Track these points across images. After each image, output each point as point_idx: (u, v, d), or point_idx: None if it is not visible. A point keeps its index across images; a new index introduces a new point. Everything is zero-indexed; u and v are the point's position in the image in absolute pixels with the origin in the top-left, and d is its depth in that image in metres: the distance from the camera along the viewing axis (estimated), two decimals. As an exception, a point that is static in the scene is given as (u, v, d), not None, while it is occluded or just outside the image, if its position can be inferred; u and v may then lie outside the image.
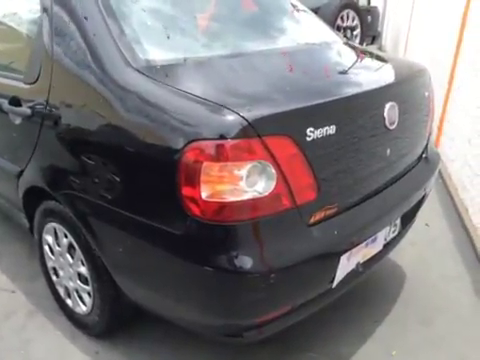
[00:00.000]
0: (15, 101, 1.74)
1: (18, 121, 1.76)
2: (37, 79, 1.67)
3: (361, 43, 6.33)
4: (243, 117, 1.21)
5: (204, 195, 1.22)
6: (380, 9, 8.70)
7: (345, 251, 1.47)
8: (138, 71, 1.44)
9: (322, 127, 1.35)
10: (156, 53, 1.56)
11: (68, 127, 1.60)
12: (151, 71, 1.44)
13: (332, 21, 5.31)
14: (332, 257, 1.44)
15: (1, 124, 1.88)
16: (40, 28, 1.69)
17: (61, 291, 1.92)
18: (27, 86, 1.72)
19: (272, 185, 1.26)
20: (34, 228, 1.94)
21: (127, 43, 1.50)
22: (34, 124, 1.68)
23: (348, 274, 1.54)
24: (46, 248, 1.91)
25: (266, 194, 1.25)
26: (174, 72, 1.49)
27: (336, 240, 1.44)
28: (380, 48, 8.86)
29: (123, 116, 1.39)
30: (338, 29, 5.76)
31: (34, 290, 2.09)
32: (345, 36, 5.30)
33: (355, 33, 6.20)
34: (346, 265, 1.50)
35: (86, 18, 1.55)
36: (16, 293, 2.10)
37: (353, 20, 6.18)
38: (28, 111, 1.69)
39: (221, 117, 1.23)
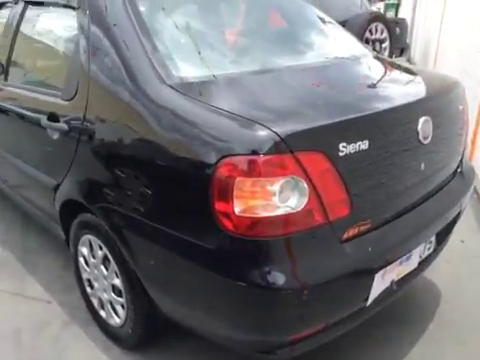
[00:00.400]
0: (53, 117, 1.81)
1: (56, 136, 1.82)
2: (74, 96, 1.73)
3: (390, 56, 6.28)
4: (275, 132, 1.22)
5: (237, 210, 1.23)
6: (408, 21, 8.61)
7: (380, 268, 1.45)
8: (171, 88, 1.47)
9: (355, 142, 1.34)
10: (188, 70, 1.60)
11: (104, 142, 1.65)
12: (184, 88, 1.47)
13: (361, 34, 5.29)
14: (366, 274, 1.42)
15: (39, 139, 1.96)
16: (77, 46, 1.76)
17: (95, 303, 1.95)
18: (65, 102, 1.79)
19: (305, 201, 1.26)
20: (70, 240, 1.99)
21: (161, 60, 1.55)
22: (71, 139, 1.74)
23: (382, 292, 1.51)
24: (81, 260, 1.96)
25: (299, 210, 1.25)
26: (206, 88, 1.52)
27: (370, 257, 1.42)
28: (409, 60, 8.74)
29: (157, 131, 1.43)
30: (366, 42, 5.73)
31: (69, 301, 2.14)
32: (374, 49, 5.27)
33: (384, 46, 6.16)
34: (380, 283, 1.47)
35: (121, 37, 1.61)
36: (51, 304, 2.15)
37: (382, 33, 6.14)
38: (65, 126, 1.76)
39: (253, 132, 1.24)
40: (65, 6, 1.90)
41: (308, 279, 1.28)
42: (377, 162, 1.45)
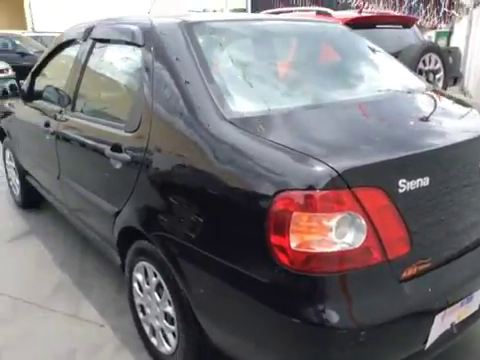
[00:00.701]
0: (116, 147, 1.91)
1: (118, 166, 1.92)
2: (137, 128, 1.83)
3: (444, 87, 6.12)
4: (332, 168, 1.23)
5: (293, 244, 1.23)
6: (461, 49, 8.39)
7: (440, 310, 1.39)
8: (229, 122, 1.52)
9: (415, 179, 1.32)
10: (245, 104, 1.65)
11: (163, 172, 1.72)
12: (241, 122, 1.52)
13: (414, 65, 5.21)
14: (426, 316, 1.37)
15: (102, 167, 2.07)
16: (141, 81, 1.87)
17: (147, 329, 1.99)
18: (128, 134, 1.88)
19: (362, 237, 1.24)
20: (125, 265, 2.06)
21: (219, 95, 1.61)
22: (133, 169, 1.83)
23: (442, 335, 1.45)
24: (135, 285, 2.01)
25: (356, 246, 1.24)
26: (262, 123, 1.55)
27: (430, 298, 1.37)
28: (462, 90, 8.48)
29: (215, 164, 1.47)
30: (420, 73, 5.63)
31: (121, 325, 2.19)
32: (427, 80, 5.16)
33: (438, 76, 6.02)
34: (440, 325, 1.41)
35: (183, 73, 1.69)
36: (105, 327, 2.21)
37: (435, 63, 6.01)
38: (128, 157, 1.85)
39: (310, 168, 1.26)
40: (130, 43, 2.02)
41: (365, 319, 1.25)
42: (437, 199, 1.42)
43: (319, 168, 1.24)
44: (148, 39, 1.89)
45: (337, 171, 1.22)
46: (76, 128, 2.35)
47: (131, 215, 1.89)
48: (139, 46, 1.94)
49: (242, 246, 1.40)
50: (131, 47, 2.03)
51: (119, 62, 2.27)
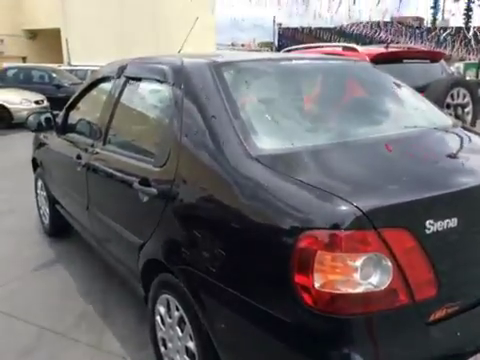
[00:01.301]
0: (145, 181, 1.96)
1: (145, 199, 1.96)
2: (165, 162, 1.88)
3: (474, 120, 6.04)
4: (357, 207, 1.23)
5: (317, 284, 1.22)
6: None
7: (469, 355, 1.34)
8: (255, 159, 1.55)
9: (443, 219, 1.30)
10: (271, 142, 1.68)
11: (188, 206, 1.75)
12: (267, 160, 1.54)
13: (442, 100, 5.18)
14: (455, 362, 1.31)
15: (129, 200, 2.12)
16: (171, 118, 1.93)
17: (168, 363, 1.98)
18: (156, 169, 1.93)
19: (388, 279, 1.22)
20: (148, 298, 2.07)
21: (246, 133, 1.65)
22: (159, 202, 1.87)
23: (473, 381, 1.38)
24: (158, 318, 2.02)
25: (381, 288, 1.22)
26: (288, 161, 1.57)
27: (459, 342, 1.32)
28: (494, 123, 8.33)
29: (240, 200, 1.49)
30: (448, 107, 5.59)
31: (143, 359, 2.18)
32: (456, 114, 5.11)
33: (466, 110, 5.96)
34: (471, 372, 1.35)
35: (211, 111, 1.74)
36: (126, 360, 2.21)
37: (464, 97, 5.95)
38: (155, 191, 1.89)
39: (335, 206, 1.26)
40: (161, 81, 2.11)
41: (391, 364, 1.21)
42: (466, 239, 1.39)
43: (344, 207, 1.24)
44: (178, 78, 1.97)
45: (362, 210, 1.22)
46: (106, 161, 2.42)
47: (156, 248, 1.92)
48: (169, 84, 2.01)
49: (265, 283, 1.40)
50: (162, 85, 2.11)
51: (150, 99, 2.36)
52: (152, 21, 20.39)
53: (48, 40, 18.64)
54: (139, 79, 2.37)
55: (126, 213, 2.25)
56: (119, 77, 2.51)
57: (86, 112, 3.09)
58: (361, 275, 1.21)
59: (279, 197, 1.38)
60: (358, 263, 1.20)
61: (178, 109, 1.89)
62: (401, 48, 5.83)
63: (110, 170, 2.36)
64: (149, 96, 2.36)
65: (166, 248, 1.87)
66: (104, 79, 2.79)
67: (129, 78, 2.43)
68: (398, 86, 2.40)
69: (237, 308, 1.49)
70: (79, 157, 2.69)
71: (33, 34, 19.13)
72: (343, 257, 1.21)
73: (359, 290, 1.21)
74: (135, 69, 2.43)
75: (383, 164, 1.62)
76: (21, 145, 4.07)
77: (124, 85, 2.45)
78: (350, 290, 1.21)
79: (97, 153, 2.52)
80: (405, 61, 4.98)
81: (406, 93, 2.39)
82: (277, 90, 2.09)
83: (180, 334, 1.83)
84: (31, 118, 3.36)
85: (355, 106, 2.21)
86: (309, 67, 2.37)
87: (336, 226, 1.22)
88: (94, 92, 2.98)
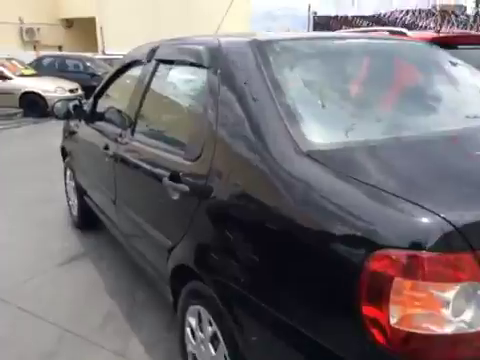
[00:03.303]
0: (175, 177, 1.73)
1: (176, 197, 1.73)
2: (199, 156, 1.64)
3: None
4: (448, 221, 0.95)
5: (392, 320, 0.95)
6: None
7: None
8: (306, 155, 1.28)
9: None
10: (323, 134, 1.42)
11: (224, 208, 1.51)
12: (322, 156, 1.27)
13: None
14: None
15: (159, 197, 1.89)
16: (205, 106, 1.68)
17: (198, 382, 1.76)
18: (188, 162, 1.70)
19: (485, 316, 0.94)
20: (178, 306, 1.85)
21: (296, 125, 1.38)
22: (191, 202, 1.63)
23: None
24: (188, 330, 1.79)
25: (478, 328, 0.93)
26: (347, 158, 1.29)
27: None
28: None
29: (289, 205, 1.24)
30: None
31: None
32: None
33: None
34: None
35: (254, 99, 1.48)
36: (153, 372, 2.01)
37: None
38: (187, 188, 1.66)
39: (417, 219, 0.98)
40: (196, 64, 1.86)
41: None
42: None
43: (429, 220, 0.96)
44: (215, 58, 1.72)
45: (454, 225, 0.94)
46: (135, 152, 2.21)
47: (187, 253, 1.69)
48: (205, 66, 1.77)
49: (320, 310, 1.13)
50: (196, 68, 1.86)
51: (183, 84, 2.12)
52: (186, 10, 20.21)
53: (84, 29, 18.77)
54: (171, 62, 2.13)
55: (155, 211, 2.03)
56: (149, 61, 2.29)
57: (114, 99, 2.89)
58: (452, 311, 0.93)
59: (340, 204, 1.11)
60: (448, 295, 0.93)
61: (214, 94, 1.64)
62: (455, 33, 5.35)
63: (139, 162, 2.15)
64: (182, 81, 2.12)
65: (198, 254, 1.63)
66: (134, 63, 2.57)
67: (160, 61, 2.20)
68: (465, 70, 2.07)
69: (282, 334, 1.24)
70: (107, 147, 2.50)
71: (69, 23, 19.30)
72: (428, 287, 0.93)
73: (448, 330, 0.93)
74: (167, 51, 2.19)
75: (465, 166, 1.31)
76: (60, 132, 3.95)
77: (155, 69, 2.22)
78: (436, 329, 0.94)
79: (126, 143, 2.31)
80: (460, 47, 4.54)
81: (475, 78, 2.05)
82: (331, 75, 1.79)
83: (213, 353, 1.60)
84: (59, 105, 3.21)
85: (417, 94, 1.88)
86: (368, 46, 2.06)
87: (418, 245, 0.94)
88: (123, 78, 2.77)
